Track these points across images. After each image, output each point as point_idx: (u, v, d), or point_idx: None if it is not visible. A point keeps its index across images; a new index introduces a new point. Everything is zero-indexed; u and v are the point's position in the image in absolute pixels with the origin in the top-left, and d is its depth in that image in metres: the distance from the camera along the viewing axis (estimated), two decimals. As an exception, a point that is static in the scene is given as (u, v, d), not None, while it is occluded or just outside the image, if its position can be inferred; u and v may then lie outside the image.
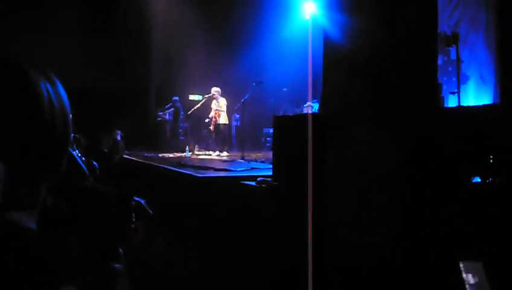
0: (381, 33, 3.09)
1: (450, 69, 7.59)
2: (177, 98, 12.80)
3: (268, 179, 4.69)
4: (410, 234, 2.93)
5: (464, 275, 0.83)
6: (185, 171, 6.42)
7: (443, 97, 6.86)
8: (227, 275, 4.17)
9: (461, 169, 2.98)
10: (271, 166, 5.14)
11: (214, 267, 4.40)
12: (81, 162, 1.51)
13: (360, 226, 2.55)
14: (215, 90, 10.82)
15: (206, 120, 11.37)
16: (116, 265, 1.00)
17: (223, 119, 10.79)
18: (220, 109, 10.74)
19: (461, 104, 6.23)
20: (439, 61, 7.52)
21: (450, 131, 3.10)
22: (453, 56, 7.18)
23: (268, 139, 11.63)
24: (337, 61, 3.55)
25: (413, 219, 2.93)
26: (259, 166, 7.06)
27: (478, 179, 2.99)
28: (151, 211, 1.51)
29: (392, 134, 2.78)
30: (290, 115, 9.72)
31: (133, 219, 1.16)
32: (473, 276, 0.82)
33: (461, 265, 0.84)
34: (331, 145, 2.80)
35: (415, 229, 2.92)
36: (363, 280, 2.51)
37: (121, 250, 1.03)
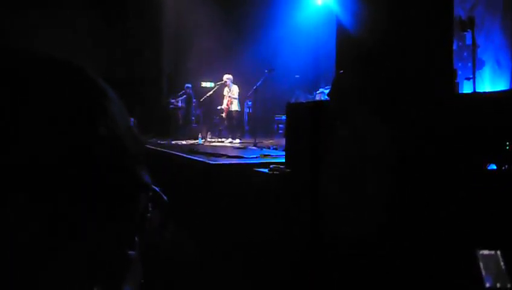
0: (396, 19, 3.04)
1: (465, 54, 7.47)
2: (189, 85, 12.82)
3: (281, 166, 4.69)
4: (420, 220, 2.91)
5: (481, 264, 0.82)
6: (198, 158, 6.45)
7: (458, 83, 6.75)
8: (239, 262, 4.19)
9: (476, 156, 2.95)
10: (283, 153, 5.13)
11: (225, 254, 4.43)
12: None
13: (358, 216, 2.54)
14: (227, 77, 10.82)
15: (219, 107, 11.38)
16: (130, 252, 1.00)
17: (235, 106, 10.80)
18: (232, 96, 10.75)
19: (477, 90, 6.13)
20: (454, 46, 7.41)
21: (464, 117, 3.06)
22: (469, 41, 7.05)
23: (280, 126, 11.61)
24: (350, 48, 3.51)
25: (422, 205, 2.92)
26: (271, 153, 7.06)
27: (494, 166, 2.95)
28: (166, 199, 1.50)
29: (403, 120, 2.76)
30: (302, 101, 9.67)
31: (150, 208, 1.16)
32: (491, 265, 0.81)
33: (478, 254, 0.83)
34: (334, 134, 2.79)
35: (425, 216, 2.90)
36: (364, 267, 2.51)
37: (136, 238, 1.04)
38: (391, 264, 2.65)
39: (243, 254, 4.25)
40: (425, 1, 3.11)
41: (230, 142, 10.35)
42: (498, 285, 0.83)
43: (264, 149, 8.14)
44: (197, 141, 10.56)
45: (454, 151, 2.96)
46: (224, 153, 7.12)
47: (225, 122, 11.21)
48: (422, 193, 2.82)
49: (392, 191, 2.56)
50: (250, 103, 11.89)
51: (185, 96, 12.81)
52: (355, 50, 3.62)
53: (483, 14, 7.31)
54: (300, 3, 12.55)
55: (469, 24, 6.41)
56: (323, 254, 2.84)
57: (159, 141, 10.28)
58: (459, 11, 7.34)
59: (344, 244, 2.65)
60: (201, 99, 12.07)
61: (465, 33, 7.11)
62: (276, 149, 7.76)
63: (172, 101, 13.09)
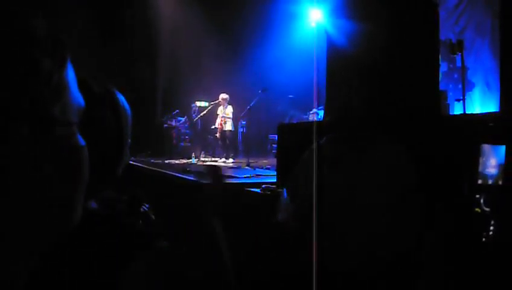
0: (383, 40, 3.11)
1: (455, 76, 7.59)
2: (193, 104, 12.93)
3: (273, 186, 4.71)
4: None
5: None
6: (190, 178, 6.45)
7: (448, 104, 6.86)
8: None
9: (464, 177, 2.98)
10: (276, 173, 5.16)
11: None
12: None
13: (352, 236, 2.55)
14: (223, 97, 10.85)
15: (213, 127, 11.42)
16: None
17: (229, 126, 10.84)
18: (226, 116, 10.79)
19: (466, 111, 6.21)
20: (445, 68, 7.54)
21: (453, 138, 3.10)
22: (459, 63, 7.17)
23: (274, 145, 11.63)
24: (340, 67, 3.57)
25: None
26: (264, 173, 7.08)
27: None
28: (153, 217, 1.53)
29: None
30: (296, 122, 9.74)
31: (141, 225, 1.18)
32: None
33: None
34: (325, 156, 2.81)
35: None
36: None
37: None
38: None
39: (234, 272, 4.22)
40: (411, 23, 3.19)
41: (223, 162, 10.36)
42: None
43: (257, 169, 8.17)
44: (190, 160, 10.57)
45: (442, 171, 3.00)
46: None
47: (219, 141, 11.24)
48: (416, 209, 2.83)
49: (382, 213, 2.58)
50: (244, 123, 11.94)
51: (185, 116, 12.86)
52: (346, 69, 3.68)
53: (473, 37, 7.45)
54: (295, 24, 12.73)
55: (458, 47, 6.53)
56: (317, 276, 2.84)
57: (152, 160, 10.27)
58: (449, 35, 7.48)
59: (340, 267, 2.65)
60: (195, 119, 12.12)
61: (456, 56, 7.24)
62: (269, 169, 7.78)
63: (170, 122, 13.05)
